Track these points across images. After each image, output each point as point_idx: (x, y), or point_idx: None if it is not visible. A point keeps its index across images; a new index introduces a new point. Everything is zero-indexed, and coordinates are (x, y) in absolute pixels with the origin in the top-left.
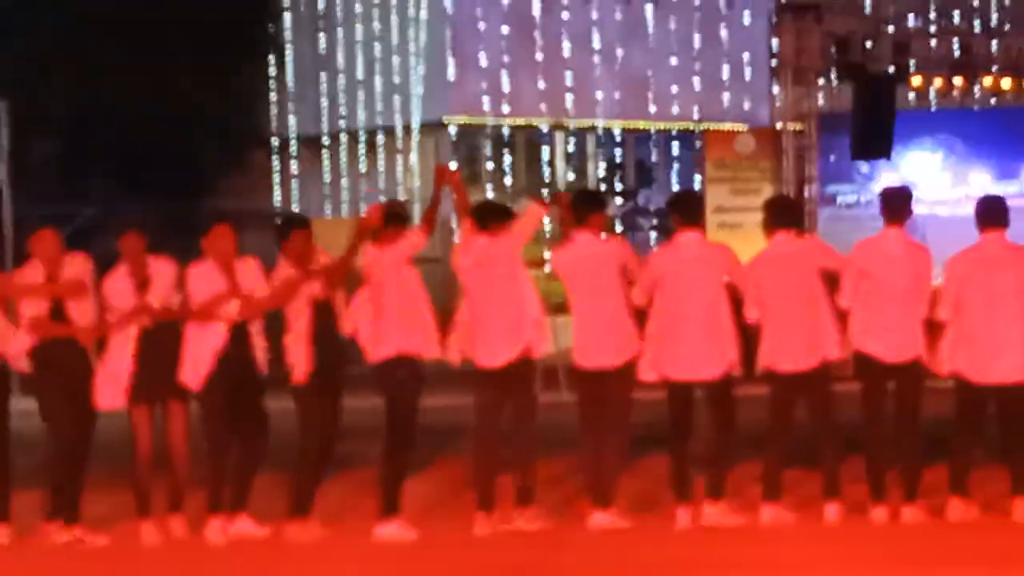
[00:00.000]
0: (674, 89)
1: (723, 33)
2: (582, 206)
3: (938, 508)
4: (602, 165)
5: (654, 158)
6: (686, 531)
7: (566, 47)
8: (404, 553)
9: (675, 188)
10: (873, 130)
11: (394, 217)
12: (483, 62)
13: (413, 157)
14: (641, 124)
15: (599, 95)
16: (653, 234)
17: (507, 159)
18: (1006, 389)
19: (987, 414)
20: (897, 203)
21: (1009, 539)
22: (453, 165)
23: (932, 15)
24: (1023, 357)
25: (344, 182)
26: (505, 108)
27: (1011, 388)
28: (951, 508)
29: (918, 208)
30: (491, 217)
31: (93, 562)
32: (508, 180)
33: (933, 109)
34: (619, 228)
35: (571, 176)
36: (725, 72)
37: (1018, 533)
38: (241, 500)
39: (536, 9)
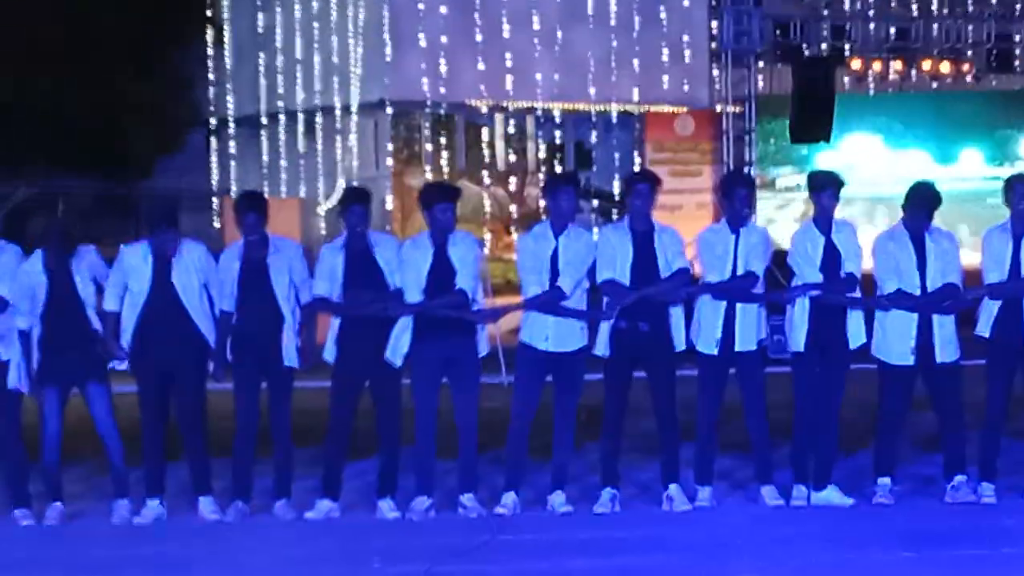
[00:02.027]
0: (614, 71)
1: (663, 15)
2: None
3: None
4: (542, 147)
5: (594, 140)
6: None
7: (506, 28)
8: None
9: (615, 170)
10: (812, 113)
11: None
12: (422, 43)
13: (352, 138)
14: (581, 106)
15: (539, 77)
16: (592, 216)
17: (446, 140)
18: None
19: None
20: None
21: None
22: (390, 146)
23: None
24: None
25: (283, 163)
26: (443, 89)
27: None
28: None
29: (857, 190)
30: (437, 197)
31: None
32: (447, 162)
33: (872, 93)
34: None
35: (511, 158)
36: (665, 54)
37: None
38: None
39: None
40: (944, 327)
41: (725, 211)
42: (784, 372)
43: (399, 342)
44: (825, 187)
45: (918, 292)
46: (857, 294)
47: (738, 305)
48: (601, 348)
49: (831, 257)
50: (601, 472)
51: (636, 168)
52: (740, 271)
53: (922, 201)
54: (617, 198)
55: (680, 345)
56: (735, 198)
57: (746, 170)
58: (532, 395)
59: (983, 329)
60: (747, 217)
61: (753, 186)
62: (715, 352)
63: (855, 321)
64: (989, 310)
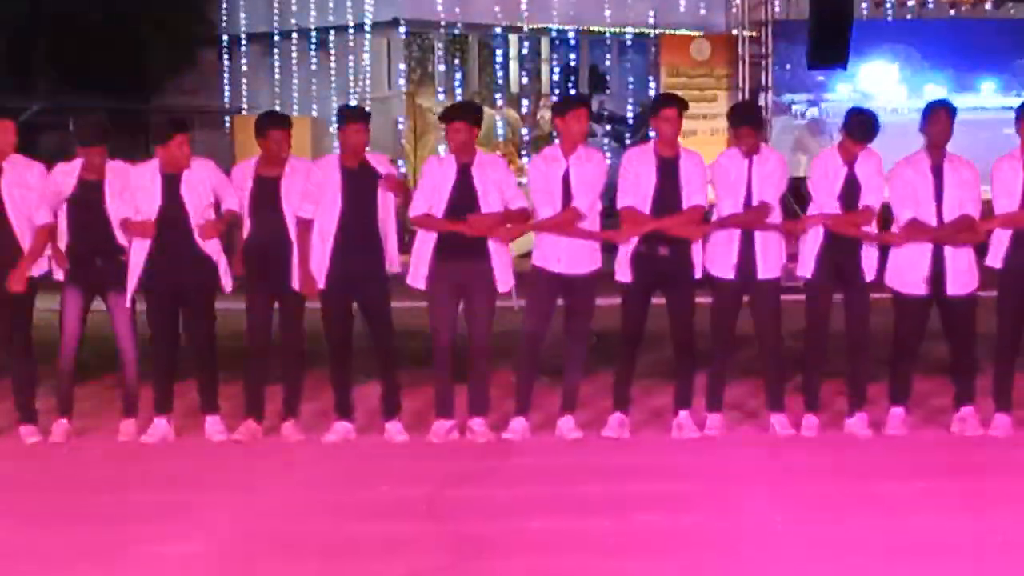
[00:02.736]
0: None
1: None
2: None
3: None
4: (556, 70)
5: (608, 63)
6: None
7: None
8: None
9: (630, 95)
10: (829, 39)
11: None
12: None
13: (365, 57)
14: (596, 29)
15: None
16: (606, 140)
17: (459, 61)
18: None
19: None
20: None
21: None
22: (403, 67)
23: None
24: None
25: (295, 82)
26: (458, 9)
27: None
28: (891, 419)
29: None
30: (460, 114)
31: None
32: (460, 82)
33: (890, 19)
34: None
35: (524, 80)
36: None
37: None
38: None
39: None
40: (958, 259)
41: (733, 142)
42: (794, 300)
43: (420, 265)
44: (859, 135)
45: (934, 221)
46: (872, 227)
47: (755, 232)
48: (621, 274)
49: (852, 187)
50: (613, 397)
51: (651, 92)
52: (754, 198)
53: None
54: (631, 122)
55: (699, 272)
56: (739, 136)
57: (761, 97)
58: (543, 318)
59: (994, 260)
60: (753, 151)
61: (759, 124)
62: (731, 277)
63: (870, 252)
64: (1000, 241)
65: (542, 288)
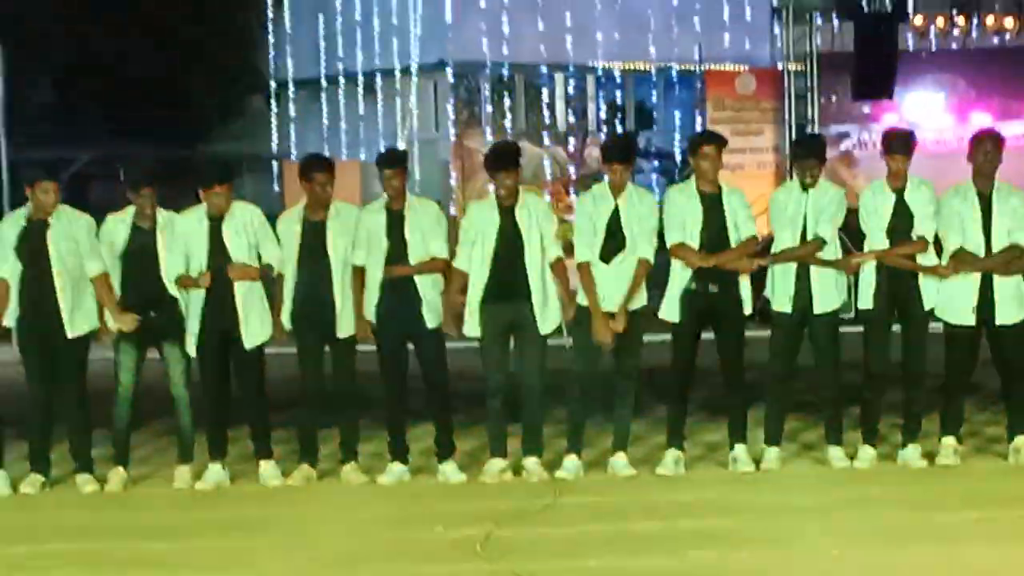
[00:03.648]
0: (675, 29)
1: None
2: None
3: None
4: (603, 107)
5: (654, 99)
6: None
7: None
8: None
9: (676, 129)
10: (874, 70)
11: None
12: (482, 3)
13: (412, 100)
14: (641, 65)
15: (599, 36)
16: (654, 176)
17: (507, 101)
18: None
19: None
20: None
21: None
22: (450, 108)
23: None
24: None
25: (343, 125)
26: (504, 50)
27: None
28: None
29: (919, 148)
30: (499, 162)
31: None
32: (508, 122)
33: (934, 49)
34: None
35: (571, 118)
36: (726, 12)
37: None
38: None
39: None
40: (1006, 287)
41: (796, 174)
42: (849, 332)
43: (473, 313)
44: (898, 148)
45: (982, 252)
46: (931, 256)
47: (811, 266)
48: (670, 313)
49: (901, 217)
50: (667, 434)
51: (697, 127)
52: (810, 232)
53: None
54: (679, 157)
55: (749, 308)
56: (803, 168)
57: (807, 129)
58: (591, 356)
59: None
60: (811, 185)
61: (823, 157)
62: (789, 310)
63: (928, 281)
64: None
65: (588, 326)
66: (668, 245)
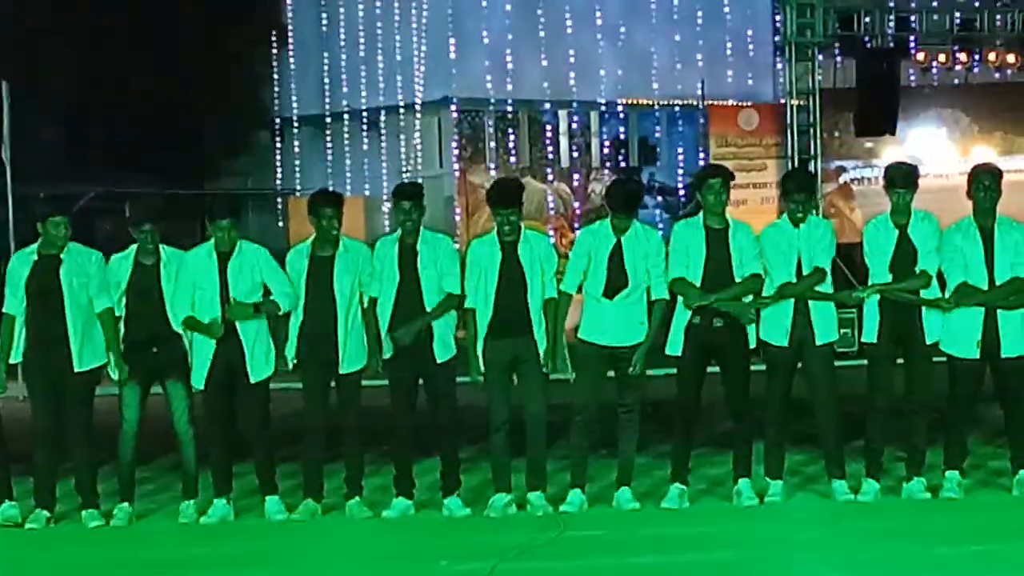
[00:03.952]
0: (678, 66)
1: (726, 8)
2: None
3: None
4: (606, 142)
5: (657, 135)
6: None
7: (569, 24)
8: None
9: (679, 165)
10: (877, 106)
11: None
12: (486, 40)
13: (416, 136)
14: (645, 101)
15: (602, 72)
16: (657, 211)
17: (510, 137)
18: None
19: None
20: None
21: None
22: (454, 144)
23: None
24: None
25: (347, 162)
26: (508, 86)
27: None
28: (947, 482)
29: (923, 183)
30: (501, 199)
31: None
32: (512, 158)
33: (937, 84)
34: None
35: (575, 154)
36: (728, 48)
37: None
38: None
39: None
40: (1010, 321)
41: (785, 209)
42: (849, 365)
43: (477, 350)
44: (901, 182)
45: (985, 286)
46: (934, 290)
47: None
48: (674, 347)
49: (905, 252)
50: (671, 468)
51: (700, 163)
52: (805, 266)
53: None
54: (682, 193)
55: (753, 341)
56: (790, 201)
57: (810, 165)
58: (593, 390)
59: None
60: (802, 220)
61: (811, 188)
62: (785, 344)
63: (931, 315)
64: None
65: (590, 360)
66: (668, 280)
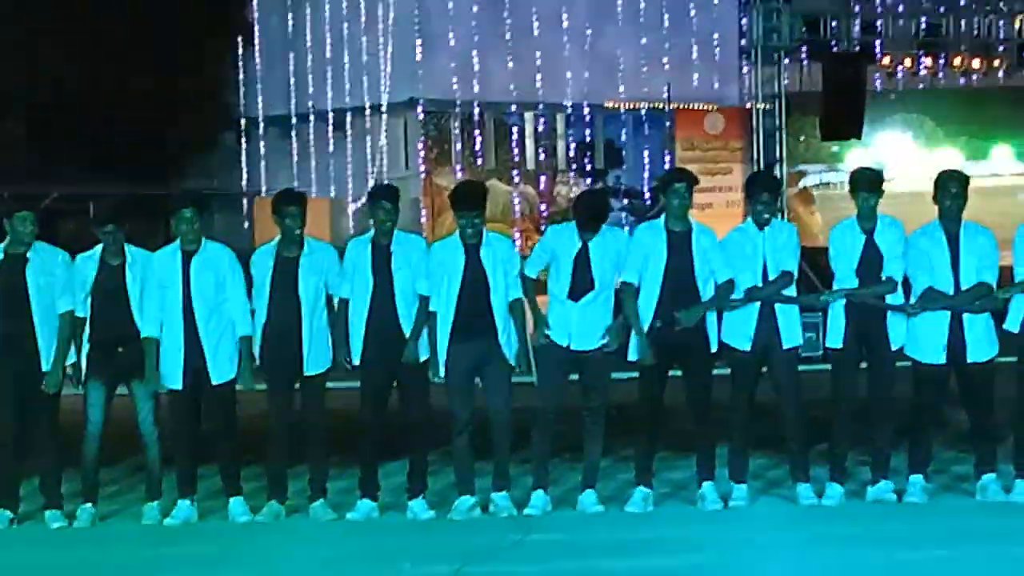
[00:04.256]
0: (644, 69)
1: (692, 12)
2: None
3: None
4: (572, 145)
5: (624, 138)
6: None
7: (535, 27)
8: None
9: (645, 168)
10: (843, 110)
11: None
12: (452, 42)
13: (382, 138)
14: (610, 104)
15: (568, 75)
16: (623, 215)
17: (476, 140)
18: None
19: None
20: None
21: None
22: (420, 146)
23: None
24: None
25: (313, 163)
26: (475, 88)
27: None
28: (911, 486)
29: (888, 187)
30: (464, 203)
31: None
32: (478, 160)
33: (902, 89)
34: None
35: (541, 156)
36: (694, 52)
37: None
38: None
39: None
40: (976, 325)
41: (750, 212)
42: (813, 370)
43: (440, 352)
44: (866, 186)
45: (951, 290)
46: (899, 295)
47: (775, 303)
48: (633, 352)
49: (871, 257)
50: (635, 471)
51: (666, 166)
52: (771, 270)
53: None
54: (648, 196)
55: (715, 345)
56: (756, 202)
57: (776, 169)
58: (556, 392)
59: (1012, 324)
60: (767, 222)
61: (776, 190)
62: (748, 348)
63: (896, 320)
64: (1019, 306)
65: (552, 362)
66: (621, 281)
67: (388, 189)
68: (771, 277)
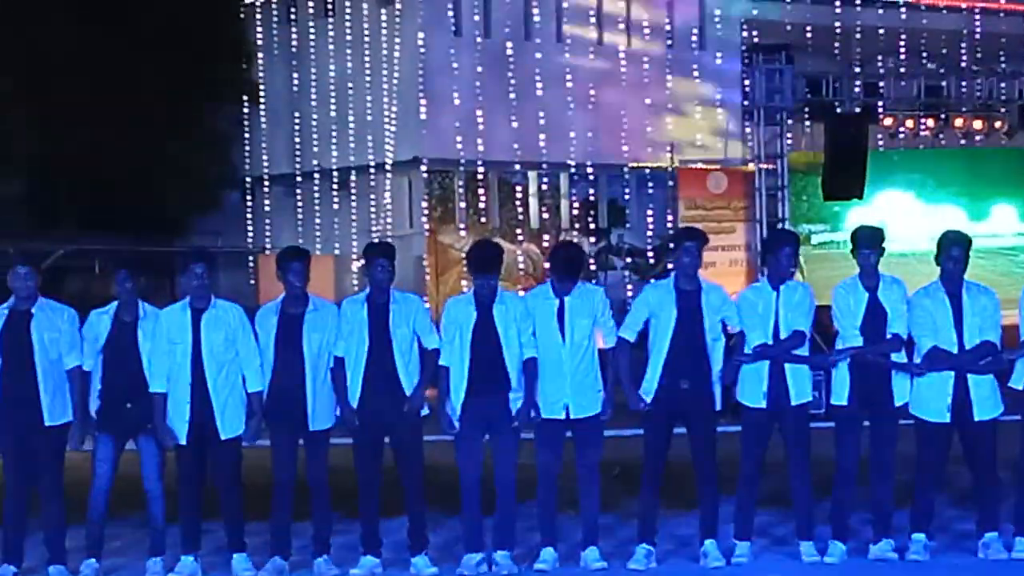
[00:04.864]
0: (647, 129)
1: (695, 73)
2: None
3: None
4: (575, 204)
5: (627, 197)
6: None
7: (539, 87)
8: None
9: (648, 227)
10: (845, 170)
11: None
12: (456, 101)
13: (386, 196)
14: (614, 163)
15: (572, 135)
16: (626, 273)
17: (481, 198)
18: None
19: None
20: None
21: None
22: (424, 204)
23: (902, 56)
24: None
25: (317, 221)
26: (479, 147)
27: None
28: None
29: (890, 247)
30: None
31: None
32: (482, 219)
33: (904, 149)
34: (592, 267)
35: (545, 215)
36: (698, 112)
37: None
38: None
39: (509, 49)
40: (981, 385)
41: (769, 268)
42: (819, 427)
43: (455, 405)
44: (867, 243)
45: (955, 349)
46: (903, 354)
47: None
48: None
49: (875, 315)
50: (638, 528)
51: (669, 225)
52: (782, 329)
53: (954, 243)
54: (651, 254)
55: (719, 403)
56: (780, 255)
57: (779, 227)
58: (554, 454)
59: (1017, 382)
60: (791, 275)
61: (797, 243)
62: (763, 406)
63: (900, 378)
64: None
65: (547, 428)
66: (615, 338)
67: (384, 247)
68: (782, 335)
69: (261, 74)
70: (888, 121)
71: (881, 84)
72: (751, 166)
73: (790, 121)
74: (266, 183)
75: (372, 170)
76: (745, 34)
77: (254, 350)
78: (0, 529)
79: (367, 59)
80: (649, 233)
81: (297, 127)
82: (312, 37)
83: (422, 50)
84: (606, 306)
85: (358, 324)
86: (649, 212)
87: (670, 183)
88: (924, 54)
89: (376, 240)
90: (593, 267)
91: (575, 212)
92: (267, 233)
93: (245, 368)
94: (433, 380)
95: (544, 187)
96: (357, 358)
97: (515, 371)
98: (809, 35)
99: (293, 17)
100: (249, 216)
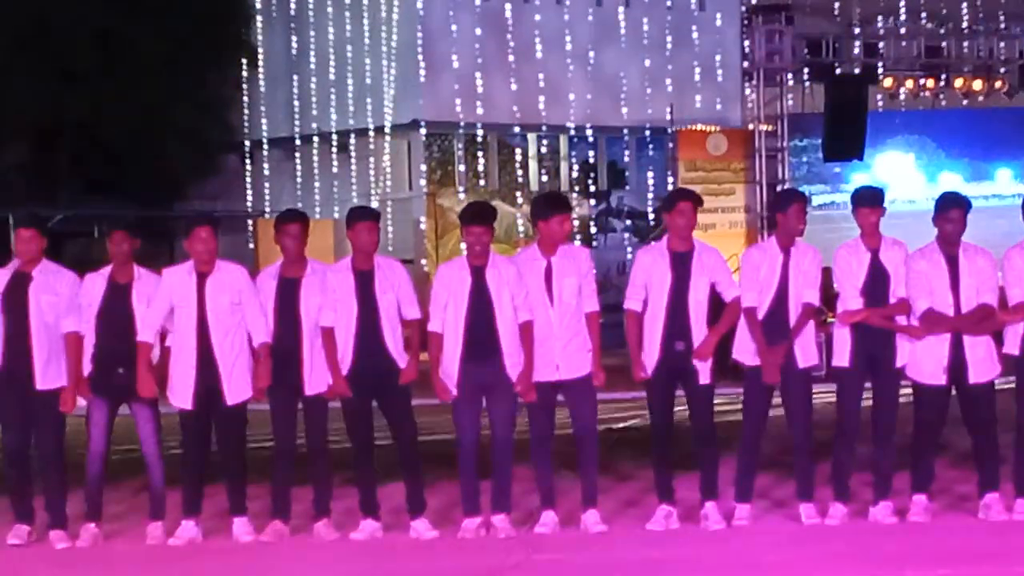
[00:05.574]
0: (647, 91)
1: (695, 35)
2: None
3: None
4: (575, 166)
5: (626, 159)
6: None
7: (539, 49)
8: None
9: (648, 189)
10: (845, 131)
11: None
12: (455, 64)
13: (386, 159)
14: (613, 125)
15: (572, 97)
16: (626, 235)
17: (480, 161)
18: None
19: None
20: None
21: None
22: (423, 167)
23: (902, 16)
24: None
25: (316, 184)
26: (478, 110)
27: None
28: (914, 506)
29: (890, 208)
30: (475, 218)
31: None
32: (481, 182)
33: (904, 110)
34: (592, 230)
35: (544, 177)
36: (697, 73)
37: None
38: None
39: (508, 11)
40: (977, 347)
41: (778, 227)
42: (817, 390)
43: (451, 372)
44: (868, 203)
45: (951, 311)
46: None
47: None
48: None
49: (877, 277)
50: (656, 489)
51: (669, 187)
52: (791, 294)
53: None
54: (651, 216)
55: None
56: (789, 212)
57: (779, 188)
58: (546, 417)
59: (1011, 347)
60: (800, 232)
61: (806, 202)
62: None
63: (902, 343)
64: (1016, 328)
65: (539, 390)
66: (624, 306)
67: (368, 211)
68: (790, 302)
69: (260, 37)
70: (888, 82)
71: (881, 45)
72: (751, 127)
73: (790, 82)
74: (265, 147)
75: (371, 133)
76: None
77: (259, 307)
78: (7, 493)
79: (366, 22)
80: (649, 195)
81: (296, 90)
82: (311, 0)
83: (421, 12)
84: (590, 268)
85: (346, 293)
86: (649, 174)
87: (670, 145)
88: (924, 14)
89: (374, 204)
90: (593, 229)
91: (575, 174)
92: (266, 197)
93: (252, 325)
94: (423, 346)
95: (544, 149)
96: (347, 327)
97: (507, 335)
98: None
99: None
100: (248, 180)
